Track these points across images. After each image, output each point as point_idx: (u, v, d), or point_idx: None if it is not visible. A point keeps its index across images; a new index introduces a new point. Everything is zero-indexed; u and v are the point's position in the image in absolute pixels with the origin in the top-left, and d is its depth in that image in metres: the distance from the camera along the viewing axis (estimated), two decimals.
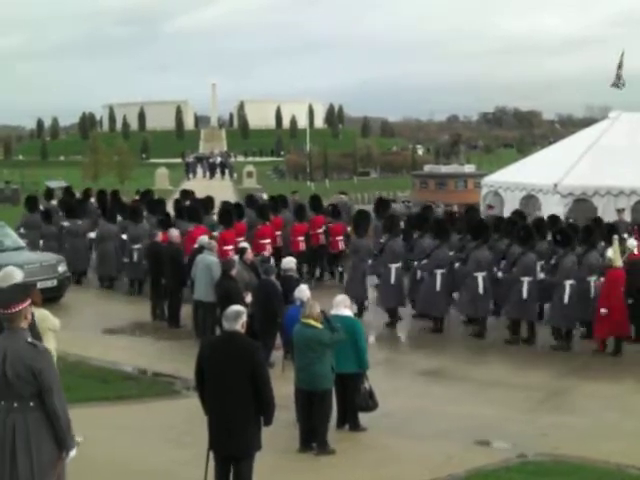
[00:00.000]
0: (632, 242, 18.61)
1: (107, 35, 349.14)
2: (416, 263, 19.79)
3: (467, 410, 13.46)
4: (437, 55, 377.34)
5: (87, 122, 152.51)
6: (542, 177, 28.67)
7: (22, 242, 23.94)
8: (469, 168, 55.22)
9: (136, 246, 23.53)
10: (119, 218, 25.51)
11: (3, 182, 60.17)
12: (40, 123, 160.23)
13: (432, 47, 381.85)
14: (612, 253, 17.29)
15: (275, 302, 15.25)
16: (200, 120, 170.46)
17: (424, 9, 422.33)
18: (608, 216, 24.77)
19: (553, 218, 21.69)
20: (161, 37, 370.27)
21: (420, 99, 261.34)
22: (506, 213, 28.70)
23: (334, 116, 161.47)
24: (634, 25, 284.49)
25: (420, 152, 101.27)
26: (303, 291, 13.48)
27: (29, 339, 7.74)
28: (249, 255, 17.48)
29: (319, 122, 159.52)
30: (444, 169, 52.89)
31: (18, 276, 11.17)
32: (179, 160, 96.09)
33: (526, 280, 17.95)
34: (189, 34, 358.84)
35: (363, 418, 12.61)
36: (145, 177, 55.16)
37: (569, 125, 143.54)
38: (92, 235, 25.46)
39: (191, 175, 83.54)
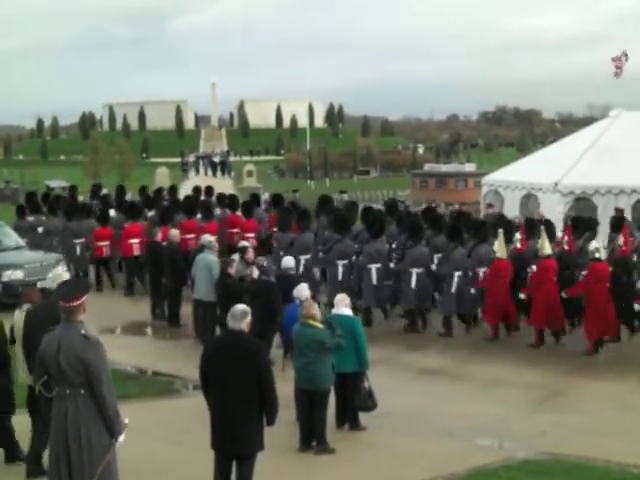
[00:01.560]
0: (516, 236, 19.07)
1: (107, 34, 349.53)
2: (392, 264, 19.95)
3: (467, 409, 13.45)
4: (437, 54, 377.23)
5: (87, 121, 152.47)
6: (542, 176, 28.66)
7: (22, 241, 23.93)
8: (469, 167, 55.40)
9: (77, 241, 24.77)
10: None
11: (3, 182, 60.29)
12: (40, 122, 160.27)
13: (432, 46, 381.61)
14: (497, 246, 18.07)
15: (274, 301, 15.23)
16: (200, 119, 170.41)
17: (424, 9, 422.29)
18: (609, 215, 24.76)
19: (460, 213, 23.60)
20: (161, 37, 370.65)
21: (420, 98, 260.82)
22: (506, 212, 28.74)
23: (334, 115, 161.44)
24: (635, 24, 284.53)
25: (420, 151, 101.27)
26: (302, 290, 13.46)
27: (83, 331, 8.18)
28: (250, 254, 17.45)
29: (319, 121, 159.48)
30: (444, 168, 53.05)
31: (66, 276, 11.37)
32: (179, 159, 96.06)
33: (415, 271, 18.81)
34: (189, 34, 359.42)
35: (363, 417, 12.60)
36: (145, 176, 55.19)
37: (569, 124, 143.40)
38: (40, 230, 26.15)
39: (193, 173, 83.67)
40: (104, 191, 32.58)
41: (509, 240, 18.82)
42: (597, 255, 17.02)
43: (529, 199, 28.92)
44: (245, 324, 9.16)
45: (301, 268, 20.23)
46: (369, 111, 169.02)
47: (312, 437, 11.84)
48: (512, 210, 28.47)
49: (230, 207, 26.59)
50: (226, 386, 8.94)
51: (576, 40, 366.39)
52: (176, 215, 24.78)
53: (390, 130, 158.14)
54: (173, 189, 32.14)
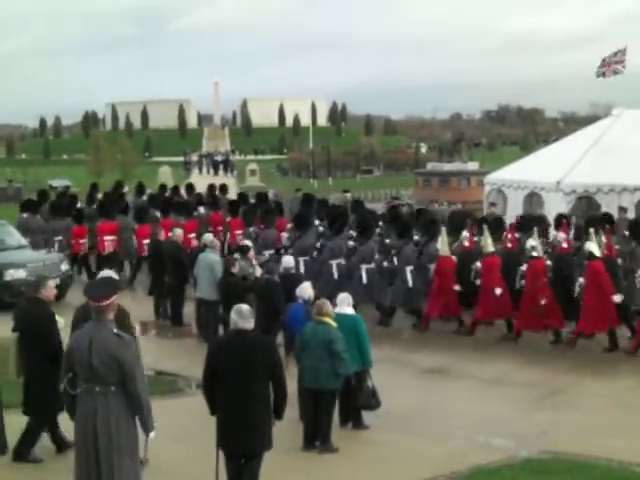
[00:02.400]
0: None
1: (110, 34, 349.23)
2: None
3: (469, 408, 13.45)
4: (440, 53, 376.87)
5: (90, 121, 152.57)
6: (545, 175, 28.66)
7: (24, 241, 23.96)
8: (472, 166, 55.26)
9: (57, 238, 25.37)
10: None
11: (6, 181, 60.27)
12: (43, 122, 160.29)
13: (435, 45, 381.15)
14: (440, 244, 18.75)
15: (277, 300, 15.25)
16: (203, 118, 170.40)
17: (427, 8, 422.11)
18: (612, 213, 24.76)
19: (419, 211, 24.68)
20: (164, 36, 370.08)
21: (423, 97, 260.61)
22: (509, 211, 28.76)
23: (337, 114, 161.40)
24: (638, 23, 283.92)
25: (423, 150, 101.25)
26: (305, 289, 13.47)
27: (115, 330, 8.30)
28: (251, 253, 17.49)
29: (322, 120, 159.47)
30: (447, 167, 52.95)
31: (115, 277, 11.66)
32: (182, 158, 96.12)
33: (364, 267, 19.35)
34: (192, 33, 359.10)
35: (366, 416, 12.62)
36: (148, 175, 55.21)
37: (572, 123, 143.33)
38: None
39: (196, 172, 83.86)
40: (125, 189, 33.37)
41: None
42: (534, 253, 17.66)
43: (532, 198, 28.91)
44: (252, 323, 9.21)
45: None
46: (372, 110, 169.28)
47: (316, 436, 11.85)
48: (515, 209, 28.47)
49: (213, 206, 27.18)
50: (238, 385, 8.89)
51: (579, 38, 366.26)
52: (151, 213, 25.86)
53: (393, 129, 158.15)
54: (176, 188, 33.14)
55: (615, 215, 23.52)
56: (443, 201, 33.36)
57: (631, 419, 12.99)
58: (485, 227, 18.80)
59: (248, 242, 18.71)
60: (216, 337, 9.33)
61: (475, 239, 19.93)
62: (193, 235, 23.57)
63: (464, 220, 21.25)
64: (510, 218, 27.40)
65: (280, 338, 15.60)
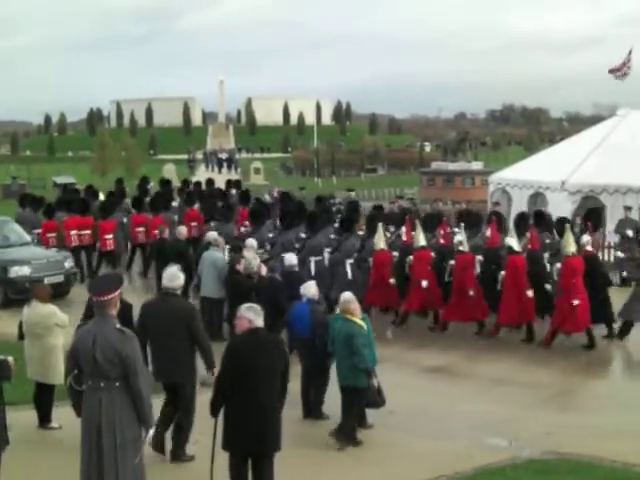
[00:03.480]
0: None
1: (116, 32, 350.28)
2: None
3: (473, 408, 13.44)
4: (445, 52, 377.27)
5: (95, 118, 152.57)
6: (550, 174, 28.69)
7: (28, 237, 23.99)
8: (476, 165, 55.20)
9: (35, 231, 25.95)
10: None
11: (10, 178, 60.25)
12: (47, 118, 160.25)
13: (440, 44, 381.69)
14: (377, 239, 19.31)
15: (282, 299, 15.22)
16: (208, 116, 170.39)
17: (432, 7, 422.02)
18: (616, 214, 24.77)
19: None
20: (170, 34, 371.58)
21: (428, 96, 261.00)
22: (514, 211, 28.73)
23: (342, 113, 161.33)
24: None
25: (428, 149, 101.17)
26: (309, 288, 13.44)
27: (117, 325, 8.35)
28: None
29: (326, 119, 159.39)
30: (451, 166, 52.88)
31: (181, 277, 11.48)
32: (187, 156, 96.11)
33: (313, 259, 20.22)
34: (197, 32, 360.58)
35: (369, 415, 12.60)
36: (153, 173, 55.11)
37: (577, 123, 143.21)
38: None
39: (202, 169, 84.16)
40: (150, 184, 34.47)
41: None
42: (461, 247, 18.48)
43: (537, 198, 28.92)
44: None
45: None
46: (376, 109, 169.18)
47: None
48: (519, 209, 28.45)
49: (188, 202, 27.89)
50: (258, 384, 8.83)
51: (584, 39, 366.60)
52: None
53: (397, 128, 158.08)
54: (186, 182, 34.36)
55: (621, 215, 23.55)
56: (447, 200, 33.34)
57: (636, 420, 12.97)
58: (418, 222, 19.73)
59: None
60: (236, 338, 9.10)
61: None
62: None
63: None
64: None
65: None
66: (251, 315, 9.08)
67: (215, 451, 9.11)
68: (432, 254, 19.08)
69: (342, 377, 11.99)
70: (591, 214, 22.98)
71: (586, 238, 18.78)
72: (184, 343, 10.88)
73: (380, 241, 19.26)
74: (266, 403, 8.89)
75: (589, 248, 18.58)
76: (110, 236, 25.37)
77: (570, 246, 17.40)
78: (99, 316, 8.42)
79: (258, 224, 22.32)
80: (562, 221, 20.10)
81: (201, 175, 65.34)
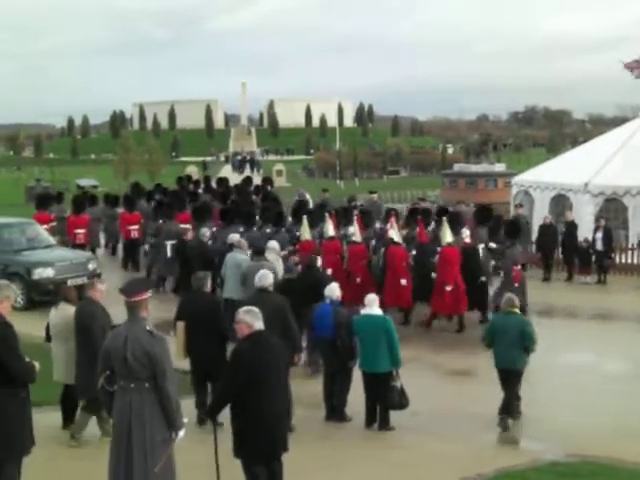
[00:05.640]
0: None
1: (140, 35, 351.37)
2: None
3: (496, 410, 13.39)
4: (467, 54, 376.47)
5: (118, 120, 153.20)
6: (573, 176, 28.56)
7: (52, 240, 24.12)
8: (499, 167, 55.03)
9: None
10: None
11: (34, 180, 60.54)
12: (71, 121, 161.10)
13: (463, 46, 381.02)
14: (303, 229, 20.52)
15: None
16: (230, 119, 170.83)
17: (455, 9, 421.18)
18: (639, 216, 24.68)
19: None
20: (193, 37, 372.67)
21: (450, 98, 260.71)
22: (536, 213, 28.66)
23: (364, 115, 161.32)
24: None
25: (450, 151, 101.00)
26: (333, 289, 13.45)
27: (148, 327, 8.55)
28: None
29: (349, 121, 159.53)
30: (474, 168, 52.73)
31: (270, 276, 12.81)
32: (209, 158, 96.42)
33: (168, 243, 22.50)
34: (221, 35, 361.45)
35: (391, 417, 12.60)
36: (175, 175, 55.23)
37: (599, 124, 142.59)
38: None
39: (229, 169, 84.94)
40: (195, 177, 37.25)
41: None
42: (354, 238, 20.19)
43: (559, 200, 28.81)
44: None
45: None
46: (399, 111, 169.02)
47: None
48: (542, 211, 28.39)
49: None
50: (270, 388, 8.81)
51: (606, 40, 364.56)
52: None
53: (420, 130, 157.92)
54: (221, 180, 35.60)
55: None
56: (470, 202, 33.24)
57: None
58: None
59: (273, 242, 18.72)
60: (259, 341, 9.00)
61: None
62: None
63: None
64: (537, 220, 27.38)
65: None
66: (250, 319, 9.04)
67: (219, 456, 9.06)
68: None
69: (510, 362, 12.73)
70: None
71: (466, 232, 20.25)
72: (279, 331, 11.52)
73: (305, 233, 20.38)
74: (279, 406, 8.88)
75: (467, 240, 20.07)
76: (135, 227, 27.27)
77: (446, 237, 19.08)
78: (130, 317, 8.60)
79: (200, 221, 23.33)
80: (442, 212, 22.44)
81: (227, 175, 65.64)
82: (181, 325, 12.64)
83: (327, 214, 22.03)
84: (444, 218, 20.17)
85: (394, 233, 19.73)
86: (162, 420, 8.40)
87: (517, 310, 13.06)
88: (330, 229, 20.36)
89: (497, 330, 12.88)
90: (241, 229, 21.68)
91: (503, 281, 19.95)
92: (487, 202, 32.04)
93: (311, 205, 27.95)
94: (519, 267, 19.92)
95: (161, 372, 8.32)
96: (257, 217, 23.36)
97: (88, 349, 11.16)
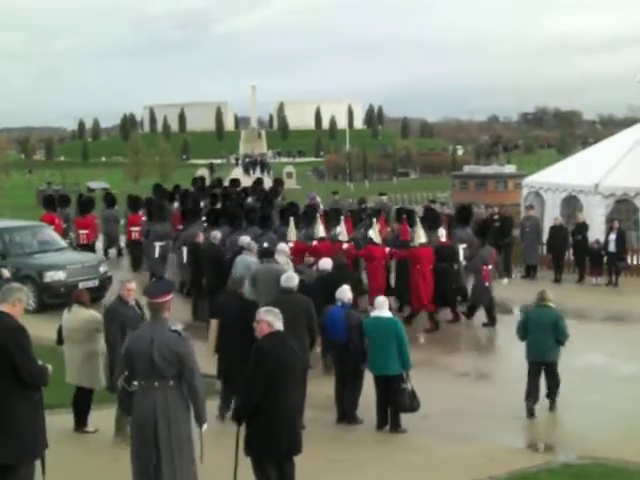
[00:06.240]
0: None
1: (150, 38, 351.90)
2: None
3: (508, 412, 13.38)
4: (478, 55, 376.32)
5: (128, 123, 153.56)
6: (583, 178, 28.48)
7: (64, 242, 24.18)
8: (509, 169, 54.99)
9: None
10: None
11: (45, 183, 60.68)
12: (81, 124, 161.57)
13: (472, 47, 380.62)
14: (289, 230, 20.81)
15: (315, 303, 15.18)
16: (240, 121, 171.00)
17: (465, 10, 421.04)
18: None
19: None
20: (203, 40, 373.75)
21: (460, 99, 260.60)
22: (547, 214, 28.60)
23: (374, 117, 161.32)
24: None
25: (460, 152, 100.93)
26: (345, 292, 13.45)
27: (172, 327, 8.81)
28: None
29: (358, 123, 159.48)
30: (484, 170, 52.73)
31: (296, 278, 13.31)
32: (219, 161, 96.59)
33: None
34: (231, 37, 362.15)
35: (403, 419, 12.59)
36: (186, 177, 55.38)
37: (610, 125, 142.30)
38: None
39: (239, 172, 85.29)
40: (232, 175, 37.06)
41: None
42: (340, 238, 20.52)
43: (570, 201, 28.74)
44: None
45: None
46: (408, 112, 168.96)
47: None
48: (553, 212, 28.34)
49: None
50: (289, 387, 8.87)
51: (617, 40, 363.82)
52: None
53: (429, 131, 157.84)
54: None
55: None
56: (480, 204, 33.23)
57: None
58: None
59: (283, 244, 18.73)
60: (273, 344, 8.98)
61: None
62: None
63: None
64: (548, 221, 27.34)
65: None
66: (271, 318, 9.11)
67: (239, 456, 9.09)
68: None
69: (543, 353, 13.31)
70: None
71: (442, 231, 20.63)
72: (304, 330, 12.38)
73: (291, 233, 20.73)
74: (295, 406, 8.94)
75: (443, 240, 20.45)
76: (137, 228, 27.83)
77: (420, 238, 19.45)
78: (153, 319, 8.84)
79: (188, 222, 23.91)
80: (400, 211, 23.47)
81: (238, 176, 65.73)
82: (214, 323, 13.26)
83: (318, 215, 22.25)
84: (417, 219, 20.81)
85: (373, 233, 20.10)
86: (185, 416, 8.68)
87: (550, 303, 13.51)
88: (320, 230, 20.60)
89: (531, 323, 13.42)
90: (259, 231, 21.80)
91: (474, 281, 20.26)
92: (498, 203, 32.05)
93: (322, 208, 27.92)
94: (489, 267, 20.10)
95: (190, 369, 8.59)
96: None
97: None
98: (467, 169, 56.30)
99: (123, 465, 9.45)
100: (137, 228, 27.77)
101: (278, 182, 35.71)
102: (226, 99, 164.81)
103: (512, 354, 17.23)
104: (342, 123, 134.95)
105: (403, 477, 10.98)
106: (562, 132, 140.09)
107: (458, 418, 13.30)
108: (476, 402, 14.11)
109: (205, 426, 8.80)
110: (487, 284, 19.73)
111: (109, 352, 12.00)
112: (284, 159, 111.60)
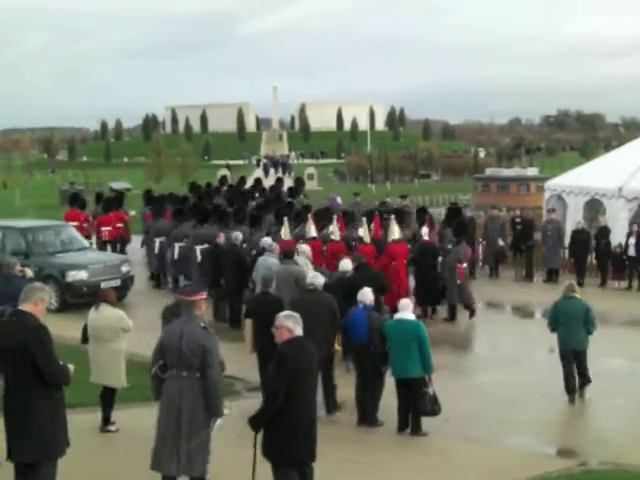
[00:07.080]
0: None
1: (172, 39, 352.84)
2: None
3: (529, 416, 13.33)
4: (499, 58, 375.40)
5: (150, 124, 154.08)
6: (606, 181, 28.31)
7: (86, 242, 24.28)
8: (531, 171, 54.83)
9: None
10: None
11: (68, 183, 60.97)
12: (104, 125, 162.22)
13: (494, 50, 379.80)
14: (283, 230, 20.95)
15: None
16: (262, 122, 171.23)
17: (487, 12, 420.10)
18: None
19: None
20: (226, 41, 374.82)
21: (481, 101, 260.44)
22: (569, 218, 28.46)
23: (395, 118, 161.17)
24: None
25: (482, 155, 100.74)
26: (366, 294, 13.44)
27: (202, 324, 9.47)
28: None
29: (380, 124, 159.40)
30: (506, 172, 52.58)
31: (321, 278, 13.78)
32: (241, 162, 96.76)
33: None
34: (253, 38, 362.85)
35: (424, 423, 12.56)
36: (207, 178, 55.41)
37: (633, 128, 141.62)
38: None
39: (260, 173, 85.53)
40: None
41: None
42: (332, 237, 20.65)
43: (593, 204, 28.58)
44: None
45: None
46: (430, 114, 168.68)
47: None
48: (575, 215, 28.18)
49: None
50: (309, 392, 8.85)
51: (639, 44, 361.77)
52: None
53: (451, 134, 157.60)
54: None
55: None
56: (502, 207, 33.09)
57: None
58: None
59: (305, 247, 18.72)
60: (285, 347, 8.92)
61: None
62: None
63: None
64: (570, 224, 27.21)
65: None
66: (291, 324, 9.00)
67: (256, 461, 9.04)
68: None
69: (576, 343, 14.09)
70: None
71: (425, 230, 21.00)
72: (329, 326, 13.11)
73: (286, 233, 20.81)
74: (314, 411, 8.91)
75: (426, 238, 20.76)
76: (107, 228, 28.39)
77: (393, 234, 19.97)
78: (186, 315, 9.48)
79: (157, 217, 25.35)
80: (372, 212, 23.41)
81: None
82: (249, 322, 14.02)
83: (309, 215, 22.42)
84: (392, 216, 21.14)
85: (363, 233, 20.47)
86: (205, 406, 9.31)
87: (578, 295, 14.34)
88: (312, 229, 20.85)
89: (561, 314, 14.20)
90: (248, 230, 22.31)
91: (448, 279, 20.46)
92: (520, 206, 31.95)
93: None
94: (464, 265, 20.52)
95: (210, 363, 9.20)
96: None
97: None
98: (489, 171, 56.17)
99: (143, 464, 9.49)
100: (107, 228, 28.23)
101: (299, 182, 36.18)
102: (248, 100, 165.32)
103: (533, 358, 17.22)
104: (363, 125, 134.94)
105: None
106: (584, 135, 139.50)
107: (479, 422, 13.25)
108: (497, 406, 14.06)
109: (219, 420, 9.40)
110: (459, 282, 20.15)
111: None
112: (307, 160, 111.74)
